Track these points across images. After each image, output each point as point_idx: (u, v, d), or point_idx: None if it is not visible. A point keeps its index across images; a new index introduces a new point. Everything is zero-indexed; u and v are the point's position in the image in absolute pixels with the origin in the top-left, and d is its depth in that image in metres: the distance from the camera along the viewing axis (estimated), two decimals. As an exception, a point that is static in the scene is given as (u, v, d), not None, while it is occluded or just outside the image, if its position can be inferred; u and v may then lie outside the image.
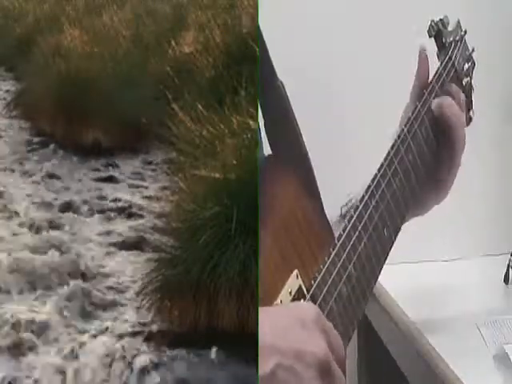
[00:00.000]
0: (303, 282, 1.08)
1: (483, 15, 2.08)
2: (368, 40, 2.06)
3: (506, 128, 2.17)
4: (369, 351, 2.15)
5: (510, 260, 1.98)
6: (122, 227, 3.59)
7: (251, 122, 2.69)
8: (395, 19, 2.03)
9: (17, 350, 2.51)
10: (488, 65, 2.01)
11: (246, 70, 3.22)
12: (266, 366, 0.90)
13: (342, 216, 1.37)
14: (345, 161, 2.07)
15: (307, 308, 1.00)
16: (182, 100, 3.76)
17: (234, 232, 2.50)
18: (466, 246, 2.14)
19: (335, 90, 2.09)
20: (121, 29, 5.69)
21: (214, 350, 2.44)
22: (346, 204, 1.41)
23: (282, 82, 1.19)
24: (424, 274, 2.05)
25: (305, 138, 1.23)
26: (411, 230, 2.01)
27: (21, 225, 3.55)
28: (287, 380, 0.90)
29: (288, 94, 1.20)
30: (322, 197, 1.22)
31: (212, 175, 2.62)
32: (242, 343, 2.33)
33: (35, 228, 3.51)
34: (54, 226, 3.55)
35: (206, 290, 2.48)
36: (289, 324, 0.94)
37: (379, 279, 1.95)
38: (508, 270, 1.97)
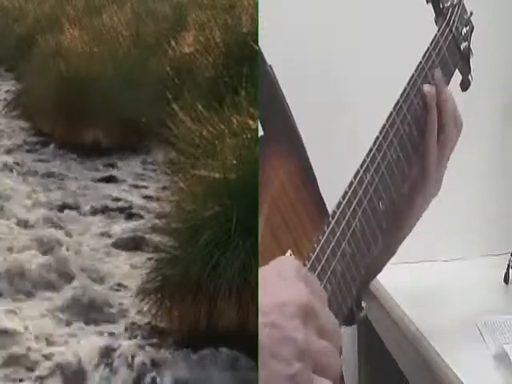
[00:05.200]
0: None
1: (483, 17, 2.08)
2: (367, 40, 2.06)
3: (507, 128, 2.17)
4: (369, 351, 2.15)
5: (510, 260, 1.98)
6: (123, 227, 3.59)
7: (251, 122, 2.69)
8: (394, 16, 2.03)
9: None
10: (489, 66, 2.02)
11: (246, 70, 3.21)
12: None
13: None
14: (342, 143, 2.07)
15: (285, 260, 1.01)
16: (182, 100, 3.76)
17: (234, 232, 2.50)
18: (466, 245, 2.14)
19: (334, 90, 2.09)
20: (121, 29, 5.69)
21: (214, 349, 2.44)
22: None
23: (270, 66, 1.20)
24: (424, 274, 2.05)
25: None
26: (412, 230, 2.01)
27: (20, 225, 3.56)
28: (271, 336, 0.90)
29: (277, 78, 1.20)
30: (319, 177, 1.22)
31: (212, 175, 2.62)
32: (242, 343, 2.33)
33: (35, 228, 3.52)
34: (53, 225, 3.55)
35: (206, 289, 2.48)
36: (270, 280, 0.94)
37: (379, 279, 1.96)
38: (508, 270, 1.97)
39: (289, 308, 0.91)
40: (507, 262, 1.98)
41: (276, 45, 1.91)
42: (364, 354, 2.16)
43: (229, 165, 2.63)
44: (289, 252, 1.08)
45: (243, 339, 2.31)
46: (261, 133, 1.15)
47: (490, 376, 1.55)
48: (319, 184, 1.22)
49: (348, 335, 2.12)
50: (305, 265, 1.07)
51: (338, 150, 2.05)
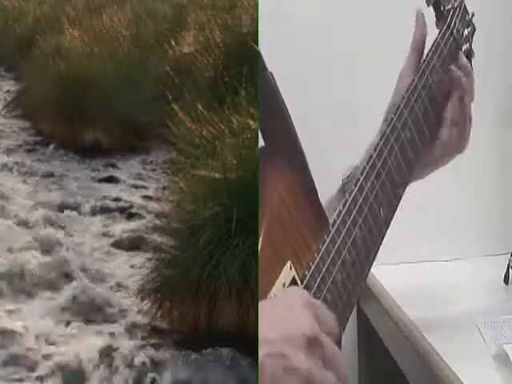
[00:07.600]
0: (297, 272, 1.08)
1: (483, 15, 2.08)
2: (367, 44, 2.06)
3: (506, 128, 2.17)
4: (369, 351, 2.15)
5: (510, 260, 1.98)
6: (122, 227, 3.59)
7: (251, 122, 2.69)
8: (395, 18, 2.03)
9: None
10: (487, 68, 2.01)
11: (246, 70, 3.22)
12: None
13: (342, 189, 1.37)
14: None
15: (292, 292, 1.04)
16: (182, 100, 3.76)
17: (234, 232, 2.50)
18: (466, 246, 2.13)
19: (335, 89, 2.09)
20: (121, 29, 5.69)
21: (214, 349, 2.44)
22: (348, 176, 1.41)
23: (271, 73, 1.19)
24: (424, 273, 2.05)
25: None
26: (412, 230, 2.01)
27: (20, 224, 3.55)
28: (276, 366, 0.92)
29: (278, 85, 1.19)
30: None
31: (212, 175, 2.62)
32: (242, 343, 2.33)
33: (35, 228, 3.51)
34: (53, 225, 3.55)
35: (206, 289, 2.48)
36: (277, 313, 0.97)
37: (379, 279, 1.96)
38: (508, 270, 1.97)
39: (295, 339, 0.94)
40: (507, 262, 1.98)
41: (275, 45, 1.92)
42: (364, 353, 2.16)
43: (229, 165, 2.63)
44: (288, 263, 1.08)
45: (243, 339, 2.31)
46: (261, 143, 1.14)
47: (490, 376, 1.54)
48: (319, 191, 1.21)
49: (348, 335, 2.12)
50: (305, 275, 1.07)
51: (337, 156, 2.05)
